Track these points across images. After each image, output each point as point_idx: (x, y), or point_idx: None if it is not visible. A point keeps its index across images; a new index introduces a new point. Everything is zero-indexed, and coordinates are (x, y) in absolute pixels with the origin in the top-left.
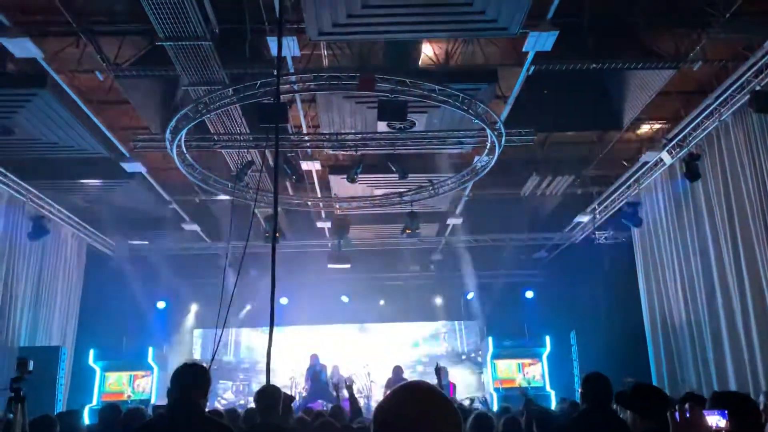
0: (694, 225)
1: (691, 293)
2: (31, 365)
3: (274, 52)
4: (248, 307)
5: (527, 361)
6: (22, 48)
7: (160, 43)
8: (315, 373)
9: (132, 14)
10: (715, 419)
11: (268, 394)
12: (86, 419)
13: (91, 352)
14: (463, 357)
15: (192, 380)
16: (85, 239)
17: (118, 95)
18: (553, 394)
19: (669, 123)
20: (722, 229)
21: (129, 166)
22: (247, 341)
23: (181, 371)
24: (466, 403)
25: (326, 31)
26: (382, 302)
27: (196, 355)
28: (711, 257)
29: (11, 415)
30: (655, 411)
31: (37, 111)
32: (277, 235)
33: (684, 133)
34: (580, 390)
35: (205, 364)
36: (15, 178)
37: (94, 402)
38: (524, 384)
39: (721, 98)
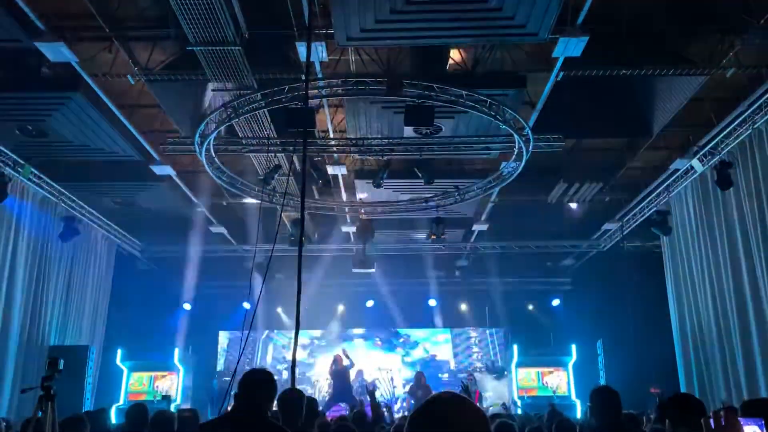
0: (725, 234)
1: (722, 302)
2: (61, 364)
3: (302, 57)
4: (279, 309)
5: (547, 369)
6: (57, 53)
7: (190, 48)
8: (337, 374)
9: (164, 20)
10: (752, 429)
11: (291, 399)
12: (113, 418)
13: (119, 352)
14: (496, 365)
15: (260, 386)
16: (114, 240)
17: (149, 99)
18: (578, 403)
19: (700, 130)
20: (754, 238)
21: (158, 169)
22: (273, 349)
23: (249, 376)
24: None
25: (355, 36)
26: (402, 307)
27: (220, 358)
28: (742, 266)
29: (40, 413)
30: (691, 420)
31: (70, 114)
32: (303, 238)
33: (716, 140)
34: (588, 404)
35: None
36: (48, 180)
37: (121, 401)
38: (543, 394)
39: (755, 105)
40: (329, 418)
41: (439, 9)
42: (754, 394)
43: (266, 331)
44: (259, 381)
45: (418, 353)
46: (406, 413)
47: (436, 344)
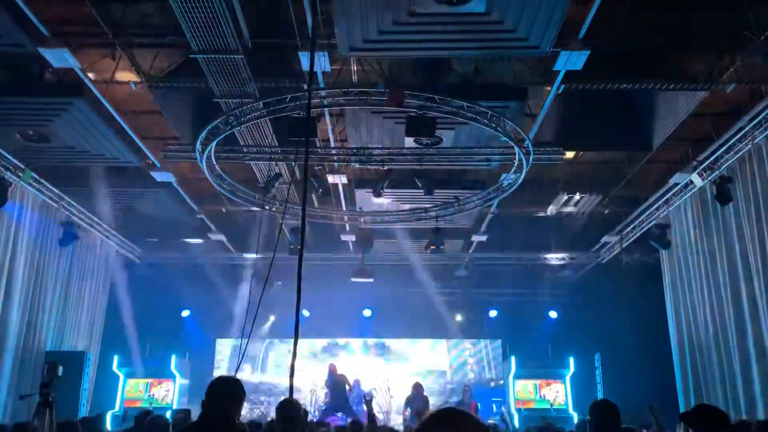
0: (724, 248)
1: (720, 316)
2: (60, 370)
3: (305, 66)
4: (272, 318)
5: (544, 381)
6: (60, 58)
7: (193, 56)
8: (333, 384)
9: (167, 27)
10: None
11: (289, 407)
12: (108, 425)
13: (115, 359)
14: (492, 382)
15: (227, 392)
16: (113, 246)
17: (151, 105)
18: (575, 416)
19: (700, 144)
20: (752, 253)
21: (159, 176)
22: (273, 360)
23: (217, 383)
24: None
25: (357, 47)
26: (402, 317)
27: (222, 366)
28: (740, 281)
29: (36, 421)
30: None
31: (71, 120)
32: (303, 247)
33: (716, 155)
34: (587, 418)
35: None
36: (48, 185)
37: (117, 408)
38: (540, 406)
39: (755, 121)
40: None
41: (442, 21)
42: (752, 408)
43: (267, 340)
44: (226, 387)
45: (415, 363)
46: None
47: (434, 355)
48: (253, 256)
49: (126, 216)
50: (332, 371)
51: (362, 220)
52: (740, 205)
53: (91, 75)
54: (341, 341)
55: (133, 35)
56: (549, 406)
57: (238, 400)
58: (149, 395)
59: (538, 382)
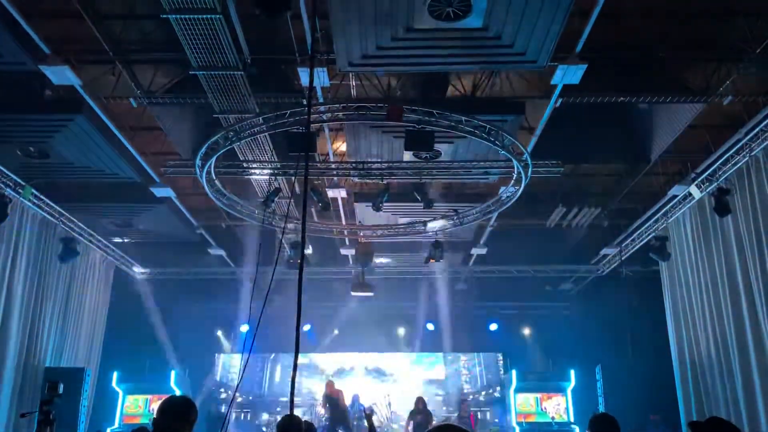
0: (723, 260)
1: (720, 328)
2: (61, 388)
3: (304, 81)
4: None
5: (545, 395)
6: (61, 76)
7: (193, 72)
8: (332, 401)
9: (166, 44)
10: None
11: (290, 423)
12: None
13: (115, 375)
14: (487, 390)
15: (178, 412)
16: (113, 262)
17: (151, 121)
18: (577, 429)
19: (698, 157)
20: (752, 265)
21: (159, 191)
22: (279, 373)
23: (167, 403)
24: None
25: (356, 62)
26: (401, 330)
27: (224, 380)
28: (741, 293)
29: None
30: None
31: (71, 136)
32: (303, 261)
33: (714, 167)
34: (587, 431)
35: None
36: (48, 201)
37: (116, 425)
38: (542, 419)
39: (752, 133)
40: None
41: (439, 36)
42: (755, 421)
43: (272, 354)
44: (178, 407)
45: (416, 377)
46: None
47: (433, 368)
48: (253, 270)
49: (126, 231)
50: (329, 389)
51: (362, 234)
52: (739, 216)
53: (91, 91)
54: (344, 355)
55: (133, 52)
56: (550, 420)
57: (189, 420)
58: (149, 411)
59: (539, 395)
